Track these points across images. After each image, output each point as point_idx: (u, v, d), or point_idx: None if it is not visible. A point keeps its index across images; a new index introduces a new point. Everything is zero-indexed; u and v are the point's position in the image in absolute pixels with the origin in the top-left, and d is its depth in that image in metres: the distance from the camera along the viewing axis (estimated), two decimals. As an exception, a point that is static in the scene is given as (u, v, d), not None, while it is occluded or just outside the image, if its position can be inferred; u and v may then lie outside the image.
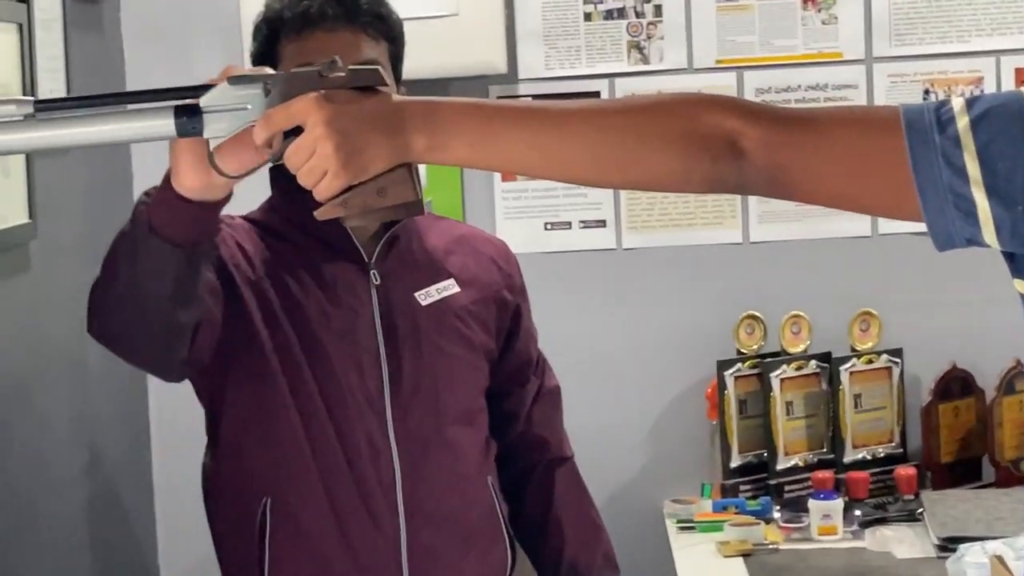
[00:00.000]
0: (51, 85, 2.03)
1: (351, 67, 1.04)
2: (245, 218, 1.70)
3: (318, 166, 0.92)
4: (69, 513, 2.17)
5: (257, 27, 1.67)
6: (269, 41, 1.63)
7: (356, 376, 1.63)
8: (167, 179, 1.24)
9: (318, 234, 1.63)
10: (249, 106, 1.04)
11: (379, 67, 1.13)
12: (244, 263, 1.64)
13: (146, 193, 1.35)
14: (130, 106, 1.09)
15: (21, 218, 1.90)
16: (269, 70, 1.12)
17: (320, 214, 1.01)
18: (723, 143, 0.86)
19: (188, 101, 1.04)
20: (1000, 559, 1.80)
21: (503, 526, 1.73)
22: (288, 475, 1.62)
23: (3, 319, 1.93)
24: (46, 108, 1.07)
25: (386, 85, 1.02)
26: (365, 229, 1.65)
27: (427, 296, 1.69)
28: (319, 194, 0.94)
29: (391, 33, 1.62)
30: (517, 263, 1.81)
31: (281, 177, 1.54)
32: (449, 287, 1.70)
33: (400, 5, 1.88)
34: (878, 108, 1.03)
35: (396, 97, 0.98)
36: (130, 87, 2.48)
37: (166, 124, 1.03)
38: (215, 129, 1.05)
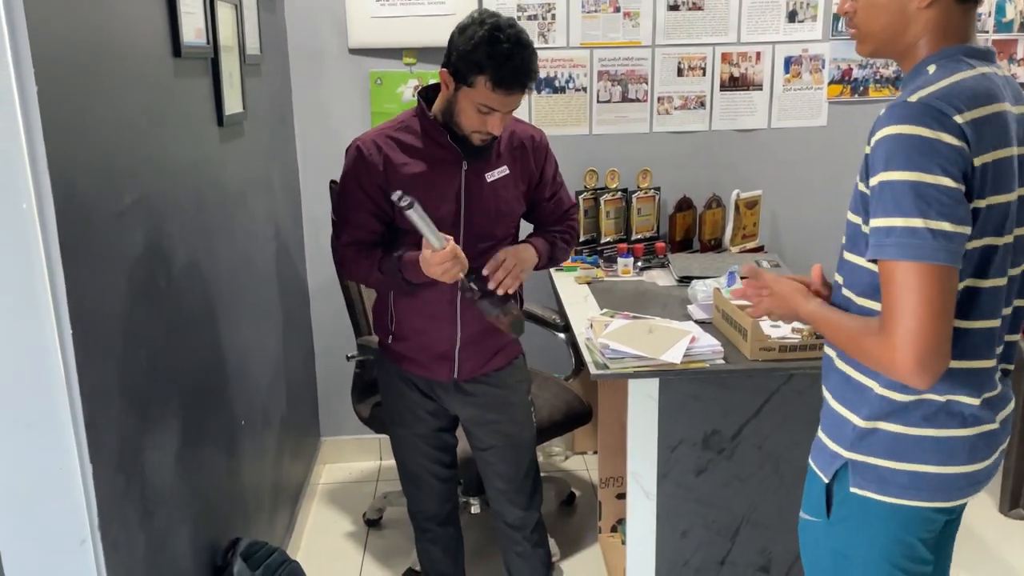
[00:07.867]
0: (252, 42, 2.41)
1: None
2: (384, 132, 1.90)
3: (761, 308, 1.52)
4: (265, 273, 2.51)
5: (476, 48, 1.70)
6: (473, 70, 1.74)
7: (445, 207, 1.91)
8: (417, 269, 1.78)
9: (440, 140, 1.90)
10: None
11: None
12: (388, 175, 1.86)
13: (403, 272, 1.84)
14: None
15: (239, 108, 2.26)
16: None
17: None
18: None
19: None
20: (717, 289, 2.35)
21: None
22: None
23: (231, 164, 2.21)
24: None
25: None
26: (466, 140, 1.89)
27: (491, 176, 1.99)
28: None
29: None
30: (545, 140, 2.08)
31: (425, 101, 1.90)
32: (504, 171, 2.00)
33: (421, 6, 2.51)
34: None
35: (794, 301, 1.44)
36: (291, 46, 3.01)
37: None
38: None
